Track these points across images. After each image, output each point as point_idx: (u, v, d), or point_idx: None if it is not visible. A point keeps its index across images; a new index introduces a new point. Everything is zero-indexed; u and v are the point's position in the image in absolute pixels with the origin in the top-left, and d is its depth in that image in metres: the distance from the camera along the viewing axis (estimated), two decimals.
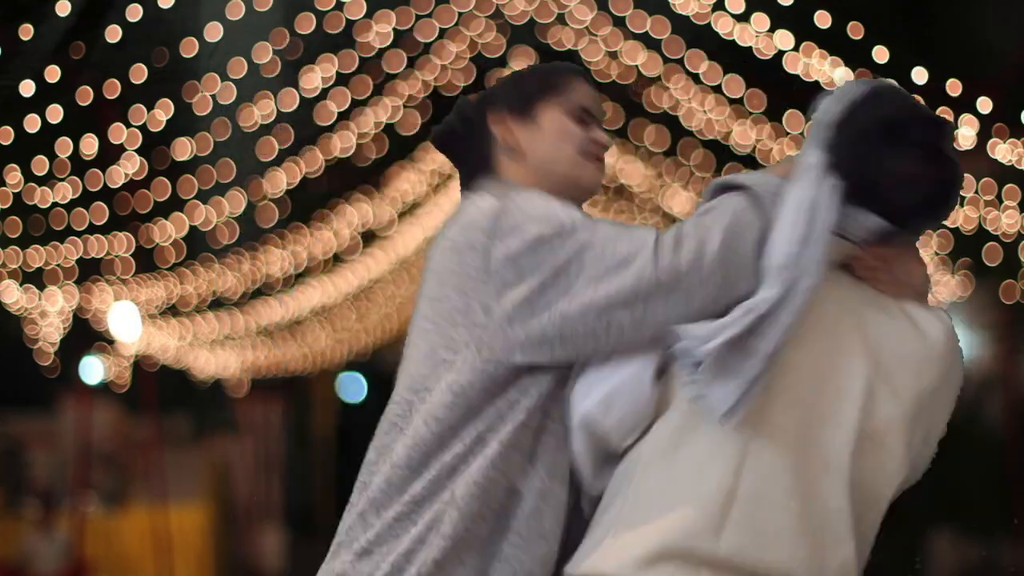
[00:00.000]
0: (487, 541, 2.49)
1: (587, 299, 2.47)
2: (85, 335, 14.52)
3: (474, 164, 2.80)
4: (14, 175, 10.30)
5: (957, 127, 10.00)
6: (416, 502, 2.49)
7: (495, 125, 2.79)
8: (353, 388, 24.68)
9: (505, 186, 2.72)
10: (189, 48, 9.35)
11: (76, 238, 12.04)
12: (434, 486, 2.49)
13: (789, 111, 11.14)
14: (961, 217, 12.02)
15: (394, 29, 10.23)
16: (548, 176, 2.77)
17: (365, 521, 2.53)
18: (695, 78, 11.05)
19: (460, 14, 10.67)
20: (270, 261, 14.77)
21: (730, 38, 9.82)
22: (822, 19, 9.40)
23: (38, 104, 9.30)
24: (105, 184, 10.70)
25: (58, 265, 12.45)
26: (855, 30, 9.33)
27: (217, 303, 15.71)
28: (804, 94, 10.47)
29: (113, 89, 9.54)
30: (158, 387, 15.91)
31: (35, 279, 12.69)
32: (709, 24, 9.80)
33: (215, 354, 17.94)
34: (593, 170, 2.81)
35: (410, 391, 2.55)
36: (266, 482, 20.86)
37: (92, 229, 11.82)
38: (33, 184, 10.52)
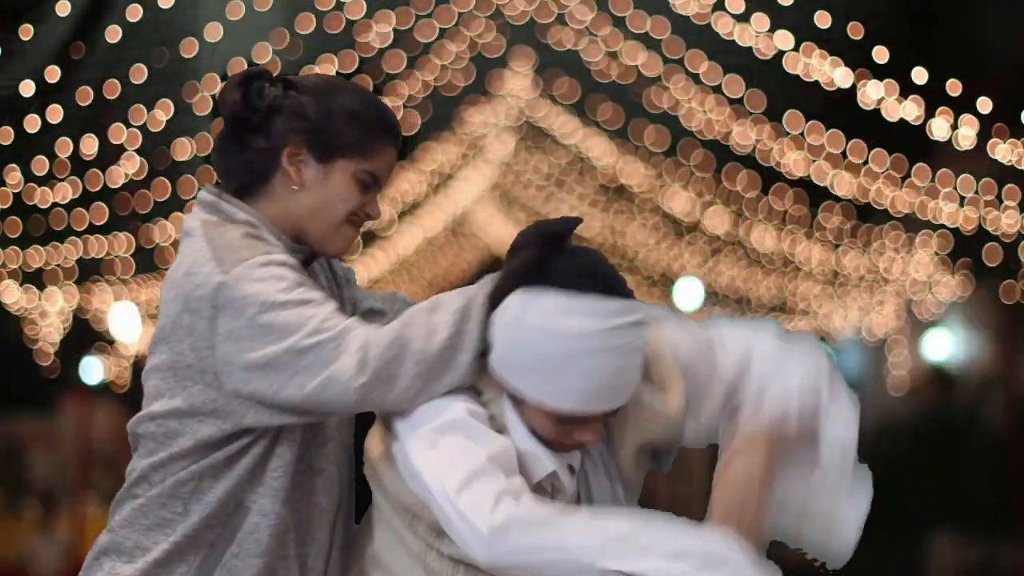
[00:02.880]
0: (213, 545, 2.60)
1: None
2: (85, 335, 14.52)
3: (247, 162, 2.71)
4: (14, 175, 10.30)
5: (957, 127, 10.00)
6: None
7: (289, 155, 2.66)
8: None
9: (232, 210, 2.66)
10: (189, 48, 9.35)
11: (76, 238, 12.04)
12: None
13: (789, 111, 11.14)
14: (961, 217, 12.02)
15: (394, 29, 10.23)
16: (302, 223, 2.69)
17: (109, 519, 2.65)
18: (695, 78, 11.06)
19: (460, 14, 10.67)
20: None
21: (730, 38, 9.82)
22: (822, 19, 9.40)
23: (38, 104, 9.31)
24: (105, 184, 10.70)
25: (58, 265, 12.45)
26: (855, 30, 9.33)
27: None
28: (804, 94, 10.49)
29: (113, 89, 9.54)
30: None
31: (35, 279, 12.69)
32: (709, 24, 9.80)
33: None
34: (347, 238, 2.71)
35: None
36: None
37: (92, 229, 11.82)
38: (33, 184, 10.52)
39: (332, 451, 2.65)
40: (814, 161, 11.75)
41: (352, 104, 2.71)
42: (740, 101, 11.05)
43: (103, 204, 11.31)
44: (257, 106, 2.71)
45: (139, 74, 9.38)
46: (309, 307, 2.50)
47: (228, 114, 2.74)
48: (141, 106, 9.75)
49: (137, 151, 10.30)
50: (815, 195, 13.03)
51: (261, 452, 2.57)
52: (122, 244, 12.42)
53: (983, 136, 10.08)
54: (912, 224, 13.62)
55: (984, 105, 9.71)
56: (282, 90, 2.69)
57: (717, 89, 11.06)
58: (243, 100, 2.71)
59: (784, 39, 9.67)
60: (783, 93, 10.75)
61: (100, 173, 10.60)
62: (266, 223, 2.66)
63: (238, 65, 10.28)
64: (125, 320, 14.32)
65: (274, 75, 2.71)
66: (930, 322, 17.70)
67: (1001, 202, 11.64)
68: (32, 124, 9.47)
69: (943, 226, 12.63)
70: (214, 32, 9.26)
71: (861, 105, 10.00)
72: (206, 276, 2.57)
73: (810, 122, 11.15)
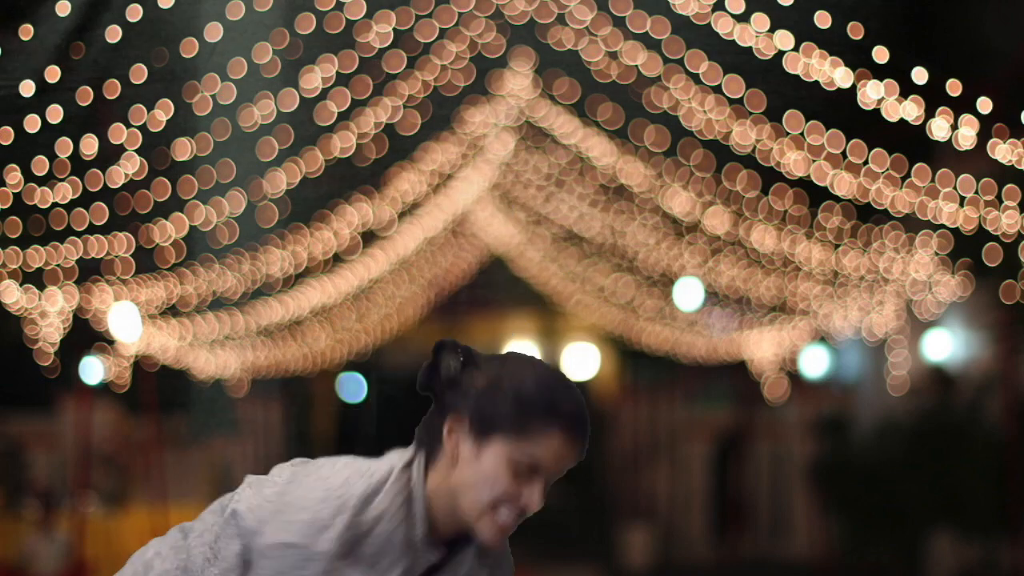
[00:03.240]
0: None
1: None
2: (85, 335, 14.52)
3: (427, 430, 2.71)
4: (14, 175, 10.29)
5: (957, 127, 10.00)
6: None
7: (449, 428, 2.65)
8: (353, 388, 24.70)
9: (404, 472, 2.68)
10: (189, 48, 9.35)
11: (76, 238, 12.04)
12: None
13: (789, 111, 11.14)
14: (961, 217, 12.02)
15: (394, 29, 10.23)
16: (456, 501, 2.67)
17: None
18: (695, 78, 11.06)
19: (460, 14, 10.67)
20: (270, 261, 14.77)
21: (730, 38, 9.82)
22: (822, 19, 9.40)
23: (38, 104, 9.30)
24: (105, 184, 10.70)
25: (58, 265, 12.44)
26: (855, 30, 9.33)
27: (217, 303, 15.71)
28: (804, 94, 10.48)
29: (113, 89, 9.54)
30: (158, 387, 15.92)
31: (35, 279, 12.69)
32: (709, 24, 9.80)
33: (215, 354, 17.94)
34: (492, 526, 2.63)
35: None
36: None
37: (92, 229, 11.82)
38: (33, 184, 10.52)
39: None
40: (814, 161, 11.75)
41: (520, 380, 2.64)
42: (740, 101, 11.04)
43: (103, 204, 11.31)
44: (441, 378, 2.68)
45: (139, 74, 9.37)
46: None
47: (420, 383, 2.73)
48: (141, 106, 9.75)
49: (137, 151, 10.30)
50: (815, 195, 13.03)
51: None
52: (122, 244, 12.42)
53: (983, 136, 10.08)
54: (912, 224, 13.62)
55: (984, 105, 9.70)
56: (460, 362, 2.66)
57: (717, 89, 11.06)
58: (428, 370, 2.69)
59: (784, 39, 9.67)
60: (783, 93, 10.75)
61: (100, 173, 10.60)
62: (421, 497, 2.66)
63: (238, 65, 10.21)
64: (125, 320, 14.32)
65: (460, 346, 2.68)
66: (930, 322, 17.70)
67: (1001, 202, 11.64)
68: (32, 124, 9.46)
69: (943, 226, 12.63)
70: (214, 32, 9.25)
71: (861, 105, 10.00)
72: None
73: (810, 122, 11.15)
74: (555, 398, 2.63)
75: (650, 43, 10.69)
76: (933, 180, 11.72)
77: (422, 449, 2.68)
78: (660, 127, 12.80)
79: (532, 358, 2.69)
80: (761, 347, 19.66)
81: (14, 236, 11.60)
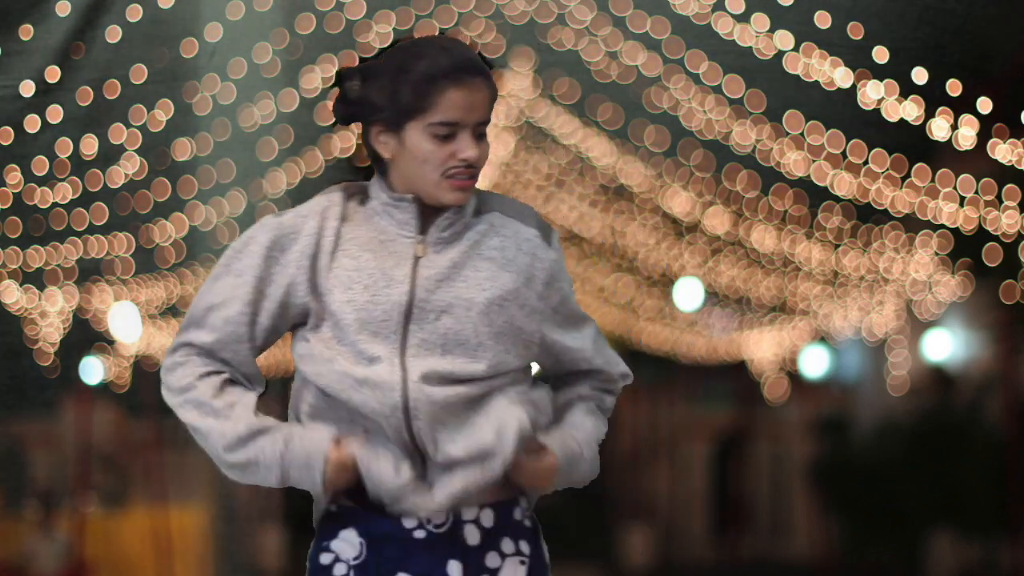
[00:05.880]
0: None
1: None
2: (85, 335, 14.52)
3: (367, 151, 3.01)
4: (14, 175, 10.29)
5: (957, 127, 10.00)
6: None
7: (373, 140, 2.91)
8: None
9: (359, 184, 3.04)
10: (189, 48, 9.35)
11: (76, 238, 12.04)
12: None
13: (789, 111, 11.14)
14: (961, 217, 12.02)
15: (394, 29, 10.23)
16: (415, 190, 2.91)
17: None
18: (695, 78, 11.06)
19: (460, 14, 10.67)
20: None
21: (730, 38, 9.82)
22: (822, 19, 9.40)
23: (38, 104, 9.30)
24: (105, 184, 10.70)
25: (58, 265, 12.44)
26: (855, 30, 9.33)
27: None
28: (804, 94, 10.48)
29: (113, 89, 9.54)
30: (158, 387, 15.91)
31: (35, 279, 12.69)
32: (709, 24, 9.80)
33: None
34: (450, 191, 2.88)
35: None
36: None
37: (92, 229, 11.81)
38: (33, 184, 10.52)
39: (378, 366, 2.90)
40: (814, 161, 11.75)
41: (399, 65, 2.87)
42: (740, 101, 11.04)
43: (103, 204, 11.31)
44: (347, 105, 2.93)
45: (139, 74, 9.38)
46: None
47: (338, 116, 3.00)
48: (141, 106, 9.75)
49: (137, 151, 10.30)
50: (815, 195, 13.03)
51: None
52: (122, 244, 12.42)
53: (983, 136, 10.08)
54: (912, 224, 13.62)
55: (984, 105, 9.71)
56: (360, 81, 2.90)
57: (717, 89, 11.06)
58: (337, 102, 2.96)
59: (784, 39, 9.67)
60: (783, 93, 10.75)
61: (100, 173, 10.60)
62: (377, 187, 2.97)
63: (238, 65, 10.23)
64: (125, 320, 14.32)
65: (355, 67, 2.92)
66: (930, 322, 17.70)
67: (1001, 202, 11.64)
68: (32, 124, 9.47)
69: (943, 226, 12.64)
70: (214, 32, 9.26)
71: (861, 105, 10.00)
72: None
73: (810, 122, 11.15)
74: (430, 61, 2.84)
75: (650, 43, 10.69)
76: (933, 180, 11.72)
77: (374, 170, 2.98)
78: (660, 127, 12.80)
79: (411, 40, 2.93)
80: (761, 347, 19.67)
81: (14, 236, 11.60)
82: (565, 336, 3.05)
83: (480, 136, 2.90)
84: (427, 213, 2.93)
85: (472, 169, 2.88)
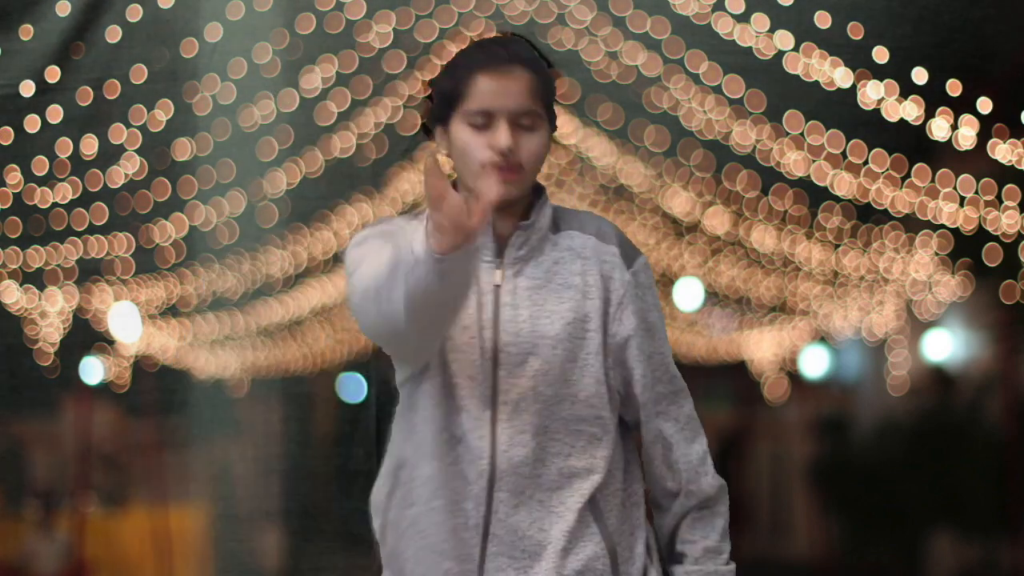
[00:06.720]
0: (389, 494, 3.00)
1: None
2: (85, 335, 14.51)
3: None
4: (14, 175, 10.29)
5: (957, 127, 10.00)
6: None
7: (437, 141, 2.92)
8: (353, 388, 24.66)
9: None
10: (189, 48, 9.34)
11: (76, 238, 12.03)
12: None
13: (789, 111, 11.13)
14: (961, 217, 12.02)
15: (394, 29, 10.22)
16: (465, 187, 2.88)
17: None
18: (695, 78, 11.04)
19: (460, 14, 10.66)
20: (270, 261, 14.77)
21: (730, 38, 9.82)
22: (822, 19, 9.39)
23: (38, 104, 9.30)
24: (105, 184, 10.69)
25: (58, 265, 12.44)
26: (855, 30, 9.32)
27: (217, 303, 15.70)
28: (804, 94, 10.48)
29: (113, 89, 9.54)
30: (158, 387, 15.89)
31: (35, 279, 12.68)
32: (709, 24, 9.80)
33: (215, 354, 17.93)
34: (490, 181, 2.79)
35: None
36: (266, 482, 20.86)
37: (92, 229, 11.81)
38: (33, 184, 10.52)
39: (466, 421, 2.67)
40: (814, 161, 11.75)
41: (450, 61, 2.93)
42: (740, 101, 11.04)
43: (103, 204, 11.30)
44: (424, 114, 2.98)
45: (139, 74, 9.37)
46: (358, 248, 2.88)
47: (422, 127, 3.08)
48: (141, 106, 9.75)
49: (137, 151, 10.29)
50: (815, 195, 13.02)
51: (409, 406, 2.80)
52: (122, 244, 12.42)
53: (983, 136, 10.08)
54: (912, 224, 13.62)
55: (984, 105, 9.70)
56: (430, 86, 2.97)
57: (717, 89, 11.05)
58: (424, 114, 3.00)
59: (784, 39, 9.67)
60: (783, 93, 10.74)
61: (100, 173, 10.60)
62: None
63: (238, 65, 10.24)
64: (125, 320, 14.32)
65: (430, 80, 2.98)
66: (930, 322, 17.70)
67: (1001, 202, 11.64)
68: (32, 124, 9.47)
69: (943, 226, 12.63)
70: (214, 32, 9.25)
71: (861, 105, 10.00)
72: None
73: (810, 122, 11.15)
74: (464, 52, 2.89)
75: (650, 43, 10.68)
76: (933, 180, 11.72)
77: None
78: (660, 127, 12.79)
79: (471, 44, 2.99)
80: (761, 347, 19.67)
81: (14, 236, 11.59)
82: (631, 378, 2.89)
83: (526, 128, 2.86)
84: (501, 233, 2.85)
85: (512, 161, 2.82)
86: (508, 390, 2.75)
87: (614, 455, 2.78)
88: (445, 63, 2.89)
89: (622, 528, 2.79)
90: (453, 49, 2.89)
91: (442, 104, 2.83)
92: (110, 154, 10.28)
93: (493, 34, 2.99)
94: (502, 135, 2.81)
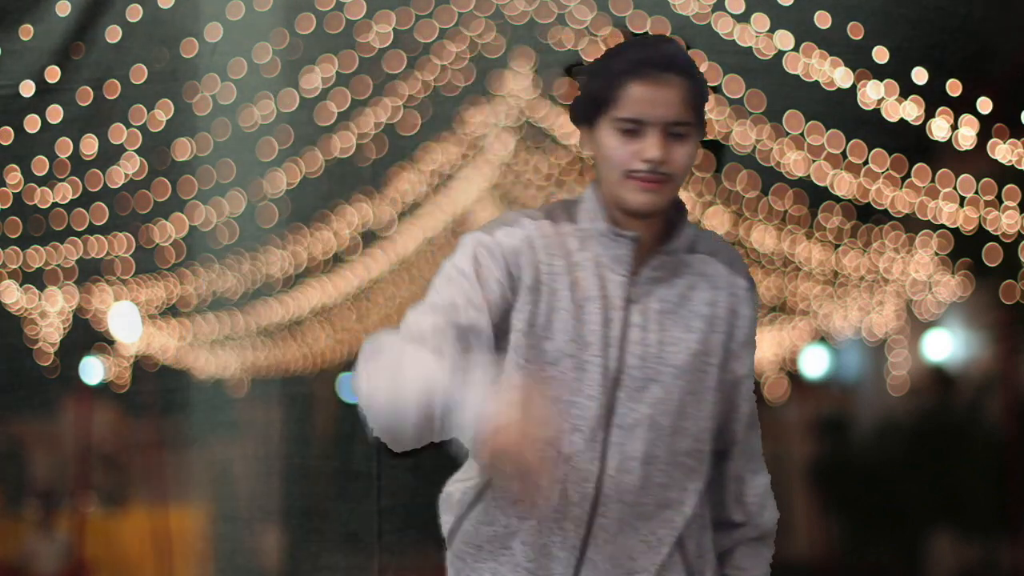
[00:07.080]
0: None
1: None
2: (85, 335, 14.51)
3: None
4: (14, 175, 10.29)
5: (957, 127, 10.00)
6: None
7: (582, 139, 2.84)
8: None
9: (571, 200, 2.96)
10: (189, 48, 9.34)
11: (76, 238, 12.03)
12: None
13: (789, 111, 11.13)
14: (961, 217, 12.01)
15: (394, 29, 10.22)
16: (606, 192, 2.82)
17: None
18: None
19: (460, 14, 10.67)
20: (270, 261, 14.77)
21: (730, 38, 9.82)
22: (822, 19, 9.39)
23: (38, 104, 9.30)
24: (105, 184, 10.69)
25: (58, 265, 12.44)
26: (855, 30, 9.32)
27: (217, 303, 15.70)
28: (804, 94, 10.48)
29: (113, 89, 9.54)
30: (158, 387, 15.89)
31: (35, 279, 12.68)
32: (709, 24, 9.80)
33: (215, 354, 17.93)
34: (634, 191, 2.72)
35: None
36: (266, 482, 20.86)
37: (92, 229, 11.81)
38: (33, 184, 10.52)
39: (578, 441, 2.70)
40: (814, 161, 11.75)
41: (602, 61, 2.78)
42: (740, 101, 11.04)
43: (103, 204, 11.30)
44: (572, 105, 2.87)
45: (139, 74, 9.37)
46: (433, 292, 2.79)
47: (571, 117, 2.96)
48: (141, 106, 9.75)
49: (137, 151, 10.29)
50: (815, 195, 13.02)
51: None
52: (122, 244, 12.42)
53: (983, 136, 10.07)
54: (912, 224, 13.62)
55: (984, 105, 9.70)
56: (584, 78, 2.84)
57: (717, 89, 11.05)
58: (573, 101, 2.88)
59: (784, 39, 9.67)
60: (783, 93, 10.74)
61: (100, 173, 10.60)
62: (591, 200, 2.82)
63: (238, 65, 10.24)
64: (125, 320, 14.32)
65: (581, 64, 2.86)
66: (930, 322, 17.70)
67: (1001, 202, 11.64)
68: (32, 124, 9.47)
69: (943, 226, 12.63)
70: (214, 32, 9.25)
71: (861, 105, 10.00)
72: None
73: (810, 122, 11.15)
74: (619, 56, 2.73)
75: None
76: (933, 180, 11.71)
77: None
78: None
79: (623, 43, 2.83)
80: (761, 347, 19.65)
81: (14, 236, 11.60)
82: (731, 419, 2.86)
83: (677, 138, 2.75)
84: (640, 249, 2.78)
85: (660, 173, 2.72)
86: (625, 414, 2.68)
87: (703, 486, 2.79)
88: (594, 62, 2.76)
89: (699, 554, 2.78)
90: (602, 47, 2.77)
91: (590, 106, 2.72)
92: (110, 154, 10.28)
93: (646, 32, 2.94)
94: (653, 146, 2.71)
